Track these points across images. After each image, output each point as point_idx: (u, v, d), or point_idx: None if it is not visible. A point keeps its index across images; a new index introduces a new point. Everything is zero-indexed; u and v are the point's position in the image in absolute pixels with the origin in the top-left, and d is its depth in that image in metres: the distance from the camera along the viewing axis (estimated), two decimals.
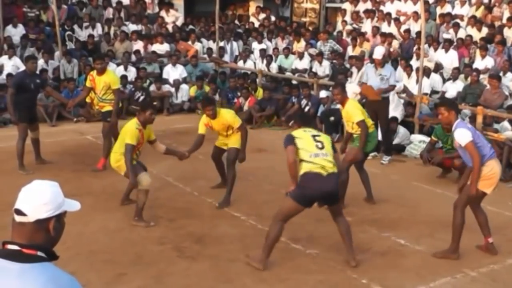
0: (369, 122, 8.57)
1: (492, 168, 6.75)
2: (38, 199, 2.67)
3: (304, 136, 6.51)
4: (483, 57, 14.18)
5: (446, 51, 14.89)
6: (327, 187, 6.30)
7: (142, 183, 7.78)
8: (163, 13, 19.57)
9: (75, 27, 17.48)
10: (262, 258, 6.52)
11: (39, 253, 2.61)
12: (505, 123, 11.13)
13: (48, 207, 2.67)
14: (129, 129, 7.85)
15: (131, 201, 8.39)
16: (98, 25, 17.84)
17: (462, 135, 6.63)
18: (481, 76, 13.43)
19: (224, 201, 8.57)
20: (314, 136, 6.54)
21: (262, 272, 6.50)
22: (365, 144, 8.45)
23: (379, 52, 11.20)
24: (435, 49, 15.17)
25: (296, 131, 6.72)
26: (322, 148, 6.42)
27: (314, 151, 6.38)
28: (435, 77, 14.07)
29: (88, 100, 11.79)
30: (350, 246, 6.67)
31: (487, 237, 7.12)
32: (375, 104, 10.69)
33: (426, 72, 13.98)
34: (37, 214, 2.63)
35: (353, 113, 8.44)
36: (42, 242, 2.66)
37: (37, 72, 11.49)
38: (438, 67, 14.80)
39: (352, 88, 12.51)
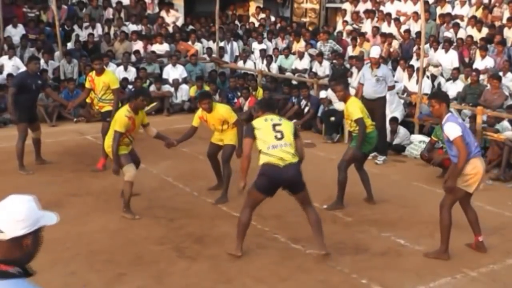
0: (368, 122, 8.56)
1: (475, 167, 6.70)
2: (14, 216, 2.57)
3: (263, 126, 6.58)
4: (483, 57, 14.18)
5: (446, 51, 14.88)
6: (285, 176, 6.41)
7: (126, 174, 7.96)
8: (163, 13, 19.56)
9: (75, 27, 17.48)
10: (237, 244, 6.76)
11: (13, 270, 2.54)
12: (505, 123, 11.13)
13: (25, 224, 2.58)
14: (119, 117, 7.99)
15: (136, 194, 8.48)
16: (98, 25, 17.83)
17: (452, 129, 6.61)
18: (481, 76, 13.43)
19: (221, 198, 8.60)
20: (274, 125, 6.57)
21: (262, 272, 6.50)
22: (363, 143, 8.42)
23: (375, 51, 11.23)
24: (435, 50, 15.16)
25: (257, 120, 6.76)
26: (282, 138, 6.49)
27: (272, 142, 6.46)
28: (439, 79, 14.04)
29: (88, 100, 11.79)
30: (319, 235, 6.73)
31: (477, 235, 7.14)
32: (371, 103, 10.69)
33: (432, 77, 13.99)
34: (13, 231, 2.55)
35: (352, 111, 8.44)
36: (18, 258, 2.58)
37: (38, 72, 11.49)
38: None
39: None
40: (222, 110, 8.63)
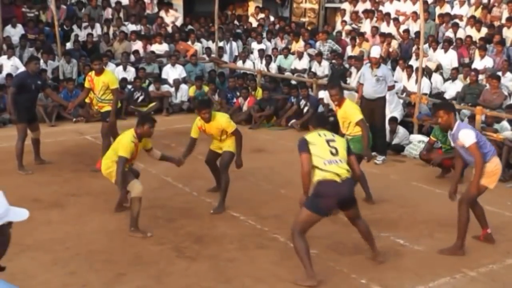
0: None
1: (496, 164, 6.96)
2: None
3: (318, 142, 6.28)
4: (482, 57, 14.19)
5: (446, 51, 14.89)
6: (343, 193, 6.16)
7: (133, 191, 7.54)
8: (162, 13, 19.57)
9: (74, 27, 17.48)
10: (308, 273, 6.17)
11: None
12: (505, 123, 11.13)
13: None
14: (124, 142, 7.61)
15: (125, 208, 8.13)
16: (97, 25, 17.83)
17: (468, 136, 6.71)
18: (480, 76, 13.44)
19: (219, 207, 8.41)
20: (328, 141, 6.31)
21: (261, 272, 6.50)
22: (356, 143, 8.34)
23: (376, 51, 11.25)
24: (434, 49, 15.17)
25: (310, 134, 6.45)
26: (336, 154, 6.23)
27: (328, 158, 6.18)
28: (436, 77, 14.07)
29: (87, 100, 11.79)
30: (373, 244, 6.71)
31: (485, 229, 7.29)
32: (371, 103, 10.70)
33: (428, 72, 14.00)
34: None
35: (351, 113, 8.41)
36: None
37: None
38: (438, 67, 14.82)
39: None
40: (221, 120, 8.39)
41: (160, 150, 8.47)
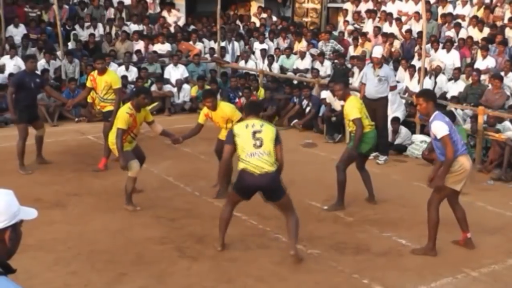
0: (366, 122, 8.52)
1: (462, 164, 6.76)
2: None
3: (244, 133, 6.58)
4: (484, 57, 14.17)
5: (448, 51, 14.87)
6: (258, 185, 6.49)
7: (130, 170, 8.20)
8: (164, 13, 19.57)
9: (77, 27, 17.50)
10: (219, 239, 6.98)
11: None
12: (507, 123, 11.12)
13: (2, 217, 2.53)
14: (120, 114, 8.25)
15: (139, 191, 8.86)
16: (100, 25, 17.84)
17: (439, 127, 6.67)
18: (482, 76, 13.42)
19: (223, 193, 8.52)
20: (254, 132, 6.56)
21: (263, 272, 6.50)
22: (359, 142, 8.40)
23: (378, 51, 11.25)
24: (435, 50, 15.14)
25: (238, 125, 6.83)
26: (260, 146, 6.49)
27: (250, 150, 6.49)
28: (442, 77, 14.05)
29: (89, 100, 11.79)
30: (294, 237, 6.70)
31: (465, 232, 7.20)
32: (373, 103, 10.70)
33: (437, 70, 13.97)
34: None
35: (350, 111, 8.44)
36: None
37: (38, 72, 11.50)
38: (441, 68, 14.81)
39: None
40: (226, 109, 8.71)
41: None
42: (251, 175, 6.46)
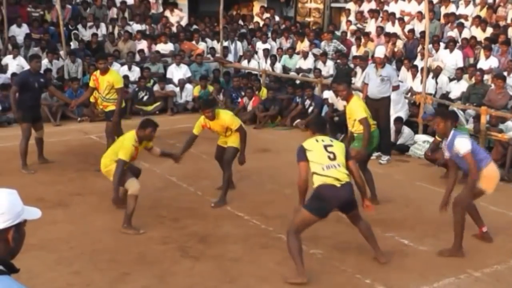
0: (371, 121, 8.54)
1: (494, 170, 7.08)
2: None
3: (315, 148, 6.33)
4: (487, 57, 14.14)
5: (451, 51, 14.85)
6: (342, 197, 6.23)
7: (130, 188, 7.64)
8: (167, 13, 19.60)
9: (79, 26, 17.51)
10: (299, 271, 6.20)
11: None
12: (510, 123, 11.10)
13: (6, 217, 2.53)
14: (125, 145, 7.70)
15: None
16: (102, 25, 17.86)
17: (464, 144, 6.80)
18: (485, 76, 13.39)
19: (220, 201, 8.59)
20: (326, 146, 6.35)
21: (266, 272, 6.49)
22: (368, 142, 8.42)
23: (380, 51, 11.25)
24: (436, 50, 15.11)
25: (307, 141, 6.47)
26: (334, 158, 6.28)
27: (326, 163, 6.23)
28: (443, 78, 14.02)
29: (92, 99, 11.80)
30: (375, 245, 6.72)
31: (481, 227, 7.32)
32: (376, 103, 10.69)
33: (437, 71, 13.96)
34: None
35: (356, 110, 8.43)
36: (0, 253, 2.53)
37: (41, 71, 11.51)
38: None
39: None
40: (225, 117, 8.52)
41: (165, 150, 8.50)
42: (333, 188, 6.17)
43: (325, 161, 6.24)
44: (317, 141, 6.42)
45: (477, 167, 6.84)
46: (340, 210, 6.53)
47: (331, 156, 6.28)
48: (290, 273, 6.29)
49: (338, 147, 6.45)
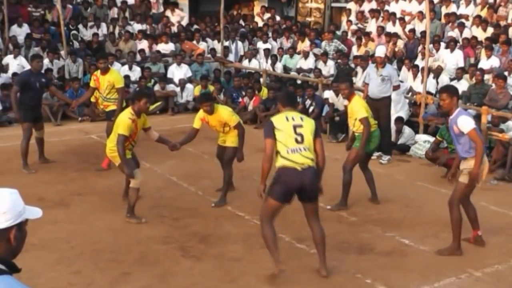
0: (372, 121, 8.55)
1: (483, 163, 6.84)
2: None
3: (284, 128, 6.18)
4: (488, 57, 14.13)
5: (452, 51, 14.84)
6: (301, 181, 6.11)
7: (132, 181, 7.91)
8: (168, 13, 19.60)
9: (80, 26, 17.52)
10: (275, 259, 6.23)
11: None
12: (510, 123, 11.10)
13: (8, 216, 2.53)
14: (122, 120, 7.84)
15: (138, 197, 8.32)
16: (103, 24, 17.86)
17: (467, 121, 6.69)
18: (486, 76, 13.39)
19: (220, 201, 8.60)
20: (295, 127, 6.20)
21: (266, 272, 6.49)
22: (367, 142, 8.42)
23: (381, 50, 11.26)
24: (437, 50, 15.11)
25: (278, 118, 6.34)
26: (302, 141, 6.16)
27: (291, 146, 6.13)
28: (443, 77, 14.02)
29: (92, 99, 11.80)
30: (322, 255, 6.42)
31: (476, 230, 7.22)
32: (376, 103, 10.69)
33: (438, 71, 13.95)
34: None
35: (357, 110, 8.44)
36: (2, 253, 2.53)
37: (42, 71, 11.51)
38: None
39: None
40: (223, 113, 8.51)
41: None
42: (293, 171, 6.09)
43: (291, 144, 6.14)
44: (287, 119, 6.26)
45: (468, 152, 6.74)
46: (299, 197, 6.33)
47: (299, 138, 6.16)
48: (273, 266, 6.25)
49: (307, 126, 6.27)
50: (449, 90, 7.05)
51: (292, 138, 6.16)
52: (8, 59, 14.93)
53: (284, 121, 6.25)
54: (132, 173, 7.82)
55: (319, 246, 6.42)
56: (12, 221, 2.54)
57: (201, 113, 8.61)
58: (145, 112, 8.18)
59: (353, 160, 8.53)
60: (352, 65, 15.41)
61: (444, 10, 17.65)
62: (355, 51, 16.86)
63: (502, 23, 16.33)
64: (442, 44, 15.38)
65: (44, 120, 11.06)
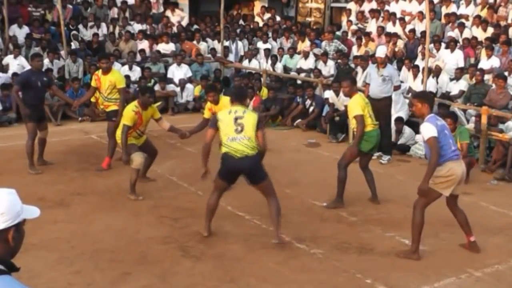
0: (369, 120, 8.51)
1: (450, 169, 6.65)
2: None
3: (226, 119, 6.98)
4: (488, 57, 14.14)
5: (452, 51, 14.84)
6: (239, 166, 6.92)
7: (133, 162, 8.64)
8: (168, 13, 19.60)
9: (80, 26, 17.52)
10: (204, 225, 7.34)
11: None
12: (510, 123, 11.10)
13: (6, 217, 2.53)
14: (127, 111, 8.79)
15: (148, 179, 9.50)
16: (103, 24, 17.86)
17: (427, 129, 6.61)
18: (486, 76, 13.39)
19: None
20: (236, 118, 6.95)
21: (266, 272, 6.50)
22: (360, 140, 8.41)
23: (381, 51, 11.26)
24: (437, 50, 15.11)
25: (221, 112, 7.25)
26: (241, 131, 6.89)
27: (231, 135, 6.90)
28: (443, 77, 14.02)
29: (93, 99, 11.80)
30: (277, 224, 7.12)
31: (468, 236, 7.12)
32: (377, 103, 10.69)
33: (437, 70, 13.95)
34: None
35: (352, 108, 8.47)
36: (0, 253, 2.53)
37: (43, 71, 11.47)
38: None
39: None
40: (227, 103, 8.61)
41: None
42: (232, 158, 6.88)
43: (230, 133, 6.92)
44: (229, 112, 7.06)
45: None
46: (248, 181, 7.29)
47: (239, 128, 6.92)
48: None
49: (249, 119, 6.99)
50: (420, 96, 7.11)
51: (232, 128, 6.94)
52: (8, 59, 14.92)
53: (227, 114, 7.08)
54: (127, 161, 8.63)
55: (274, 219, 7.15)
56: (10, 222, 2.53)
57: (208, 104, 9.17)
58: (149, 104, 8.90)
59: (347, 157, 8.54)
60: (352, 65, 15.42)
61: (444, 10, 17.65)
62: (355, 51, 16.87)
63: (502, 23, 16.33)
64: (442, 44, 15.38)
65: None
